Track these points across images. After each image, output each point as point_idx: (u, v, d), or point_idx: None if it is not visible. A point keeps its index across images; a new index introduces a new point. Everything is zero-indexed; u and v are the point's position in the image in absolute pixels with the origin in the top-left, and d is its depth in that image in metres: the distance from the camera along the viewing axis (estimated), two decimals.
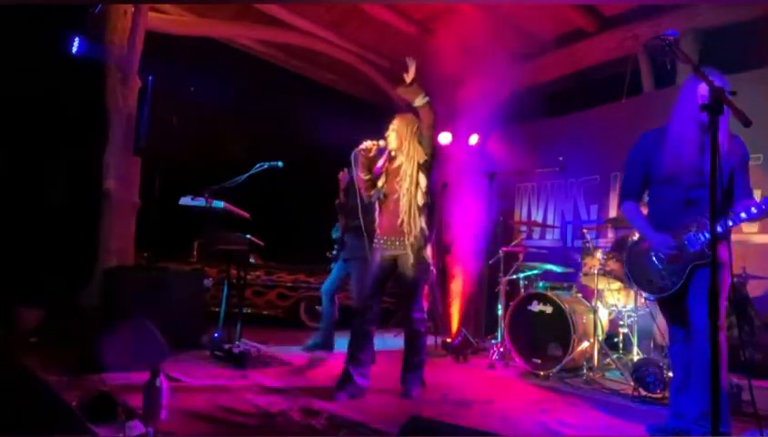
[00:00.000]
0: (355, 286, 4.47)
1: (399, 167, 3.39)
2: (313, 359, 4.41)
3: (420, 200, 3.34)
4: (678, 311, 2.80)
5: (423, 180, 3.36)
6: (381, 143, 3.44)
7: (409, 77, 3.31)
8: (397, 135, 3.42)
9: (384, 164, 3.46)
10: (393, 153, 3.44)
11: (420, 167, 3.36)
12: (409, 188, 3.33)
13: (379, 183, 3.45)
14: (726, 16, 4.98)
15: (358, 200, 3.50)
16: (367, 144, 3.40)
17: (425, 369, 3.55)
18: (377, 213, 3.50)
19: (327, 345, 4.64)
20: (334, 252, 4.83)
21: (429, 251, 3.42)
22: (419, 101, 3.31)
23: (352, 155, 3.41)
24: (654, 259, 2.79)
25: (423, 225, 3.36)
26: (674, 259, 2.69)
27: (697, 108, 2.60)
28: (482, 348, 5.03)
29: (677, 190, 2.71)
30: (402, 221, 3.32)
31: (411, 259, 3.32)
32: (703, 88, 2.60)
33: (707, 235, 2.58)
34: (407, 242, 3.32)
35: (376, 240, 3.47)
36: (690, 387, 2.75)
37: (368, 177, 3.42)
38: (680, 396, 2.81)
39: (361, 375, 3.36)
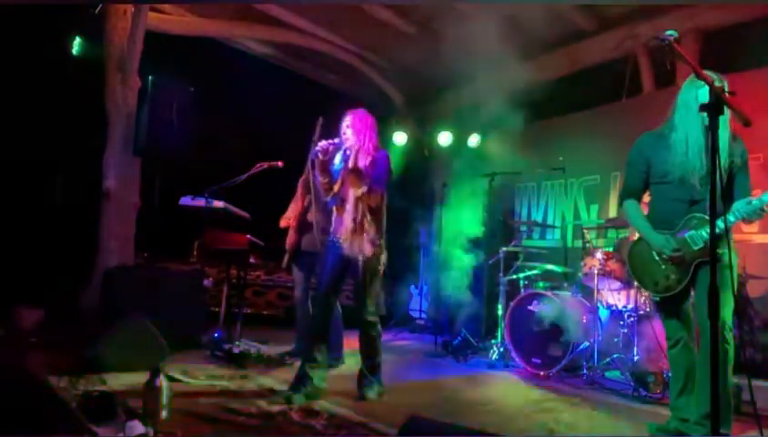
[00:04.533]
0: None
1: (353, 167, 3.35)
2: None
3: (372, 203, 3.31)
4: (680, 311, 2.80)
5: (366, 177, 3.30)
6: (336, 141, 3.39)
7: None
8: (353, 131, 3.39)
9: (344, 163, 3.41)
10: (349, 151, 3.39)
11: (368, 166, 3.33)
12: (362, 190, 3.29)
13: (336, 187, 3.39)
14: (726, 16, 4.98)
15: (314, 199, 3.47)
16: (322, 145, 3.33)
17: (423, 368, 3.54)
18: (333, 215, 3.46)
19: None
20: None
21: (382, 253, 3.38)
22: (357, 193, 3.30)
23: (309, 159, 3.38)
24: (657, 259, 2.79)
25: (374, 227, 3.32)
26: (678, 260, 2.70)
27: (696, 113, 2.63)
28: (482, 348, 5.03)
29: (685, 191, 2.72)
30: (355, 224, 3.29)
31: (362, 262, 3.30)
32: (704, 94, 2.62)
33: (708, 232, 2.58)
34: (358, 245, 3.29)
35: (330, 240, 3.43)
36: (691, 389, 2.75)
37: (326, 180, 3.38)
38: (681, 398, 2.80)
39: (319, 377, 3.32)
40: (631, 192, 2.94)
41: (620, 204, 3.03)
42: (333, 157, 3.43)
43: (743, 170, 2.71)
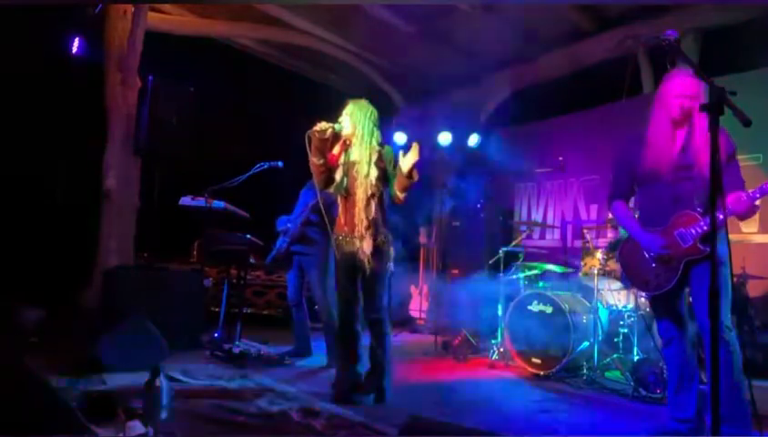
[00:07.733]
0: (318, 288, 4.24)
1: (356, 160, 3.20)
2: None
3: (377, 194, 3.19)
4: (672, 310, 2.80)
5: (374, 171, 3.17)
6: (337, 126, 3.17)
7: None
8: (351, 120, 3.21)
9: (340, 152, 3.23)
10: (348, 141, 3.22)
11: (376, 161, 3.19)
12: (365, 181, 3.16)
13: (338, 177, 3.23)
14: (726, 16, 4.98)
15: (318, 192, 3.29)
16: (322, 125, 3.09)
17: (423, 368, 3.51)
18: (339, 209, 3.30)
19: (305, 351, 4.56)
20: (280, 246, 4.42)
21: (390, 251, 3.27)
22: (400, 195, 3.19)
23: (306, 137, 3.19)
24: (647, 257, 2.79)
25: (381, 220, 3.23)
26: (666, 258, 2.70)
27: (669, 106, 2.65)
28: (482, 348, 5.03)
29: (664, 188, 2.73)
30: (361, 218, 3.16)
31: (370, 258, 3.17)
32: (677, 86, 2.62)
33: (697, 230, 2.59)
34: (365, 240, 3.17)
35: (337, 237, 3.28)
36: (687, 387, 2.75)
37: (321, 162, 3.14)
38: (677, 397, 2.80)
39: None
40: (617, 193, 2.96)
41: (608, 204, 3.06)
42: (333, 142, 3.22)
43: (731, 162, 2.67)
